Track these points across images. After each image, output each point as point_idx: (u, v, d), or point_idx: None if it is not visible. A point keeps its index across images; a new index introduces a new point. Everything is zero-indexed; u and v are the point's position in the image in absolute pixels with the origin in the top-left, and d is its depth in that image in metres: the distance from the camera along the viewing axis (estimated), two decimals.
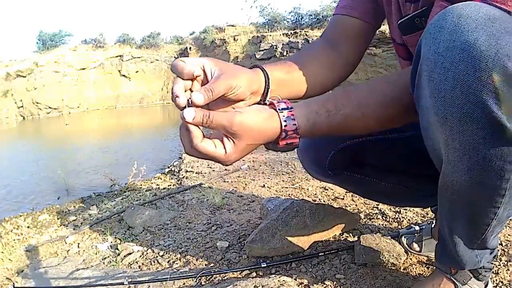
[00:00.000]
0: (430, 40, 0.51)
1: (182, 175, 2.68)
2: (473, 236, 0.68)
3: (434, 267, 1.02)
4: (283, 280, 0.98)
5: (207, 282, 1.11)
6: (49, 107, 15.93)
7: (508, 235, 1.18)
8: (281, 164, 2.55)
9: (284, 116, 0.57)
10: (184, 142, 0.57)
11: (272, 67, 0.70)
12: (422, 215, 1.41)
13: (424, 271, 1.04)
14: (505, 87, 0.45)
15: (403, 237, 1.16)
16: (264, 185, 2.11)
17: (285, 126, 0.57)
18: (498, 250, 1.08)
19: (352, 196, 1.71)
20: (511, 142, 0.49)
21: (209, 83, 0.58)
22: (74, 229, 1.78)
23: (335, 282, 1.00)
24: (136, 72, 17.73)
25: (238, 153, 0.57)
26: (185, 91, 0.59)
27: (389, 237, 1.14)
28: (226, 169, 2.59)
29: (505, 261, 1.04)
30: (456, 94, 0.49)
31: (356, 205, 1.60)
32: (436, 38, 0.50)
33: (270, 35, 15.10)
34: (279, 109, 0.58)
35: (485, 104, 0.47)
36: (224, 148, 0.56)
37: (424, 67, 0.52)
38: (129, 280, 1.09)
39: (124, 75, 17.64)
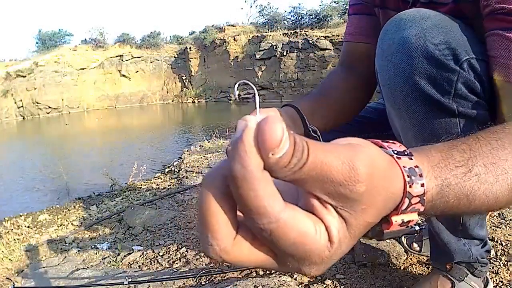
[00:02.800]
0: (379, 41, 0.62)
1: (182, 175, 2.67)
2: (451, 221, 0.73)
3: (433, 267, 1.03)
4: (283, 280, 0.98)
5: (207, 282, 1.11)
6: (49, 107, 15.94)
7: (508, 235, 1.18)
8: None
9: (406, 167, 0.28)
10: (219, 231, 0.22)
11: (298, 100, 0.71)
12: None
13: (424, 271, 1.03)
14: (433, 68, 0.55)
15: (403, 237, 1.16)
16: None
17: (410, 184, 0.27)
18: (498, 250, 1.09)
19: None
20: (449, 114, 0.57)
21: None
22: (74, 229, 1.78)
23: (335, 282, 1.00)
24: (136, 72, 17.76)
25: (351, 239, 0.25)
26: None
27: None
28: None
29: (505, 261, 1.04)
30: (397, 80, 0.58)
31: None
32: (382, 39, 0.61)
33: (270, 35, 15.11)
34: (394, 152, 0.28)
35: (420, 84, 0.56)
36: (328, 231, 0.24)
37: (376, 63, 0.63)
38: (129, 280, 1.09)
39: (124, 75, 17.66)
